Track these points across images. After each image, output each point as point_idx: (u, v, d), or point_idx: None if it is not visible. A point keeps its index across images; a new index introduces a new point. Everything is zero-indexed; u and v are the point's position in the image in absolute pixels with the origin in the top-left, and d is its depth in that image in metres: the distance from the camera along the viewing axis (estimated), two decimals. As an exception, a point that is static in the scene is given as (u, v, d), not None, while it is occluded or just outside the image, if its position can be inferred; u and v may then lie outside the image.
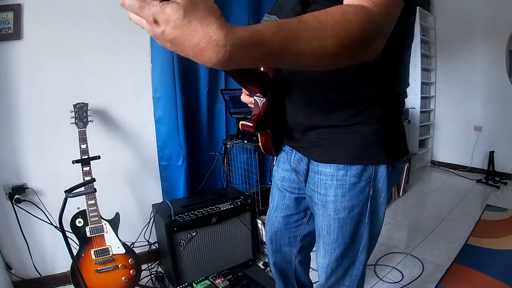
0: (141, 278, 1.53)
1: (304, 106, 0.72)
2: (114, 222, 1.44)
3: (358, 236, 0.74)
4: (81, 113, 1.42)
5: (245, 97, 0.79)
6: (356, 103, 0.66)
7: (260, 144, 0.85)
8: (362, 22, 0.44)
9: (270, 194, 0.96)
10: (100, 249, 1.38)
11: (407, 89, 0.74)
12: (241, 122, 0.70)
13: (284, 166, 0.86)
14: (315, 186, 0.74)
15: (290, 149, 0.82)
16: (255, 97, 0.72)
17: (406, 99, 0.74)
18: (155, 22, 0.34)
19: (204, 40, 0.34)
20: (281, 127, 0.79)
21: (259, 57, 0.38)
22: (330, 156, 0.70)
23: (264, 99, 0.70)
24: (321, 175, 0.72)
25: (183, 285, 1.49)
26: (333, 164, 0.69)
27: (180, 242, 1.51)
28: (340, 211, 0.71)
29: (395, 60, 0.67)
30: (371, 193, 0.70)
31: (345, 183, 0.69)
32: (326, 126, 0.70)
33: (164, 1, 0.34)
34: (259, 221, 1.80)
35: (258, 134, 0.82)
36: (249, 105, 0.80)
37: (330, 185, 0.70)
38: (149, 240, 1.84)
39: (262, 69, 0.71)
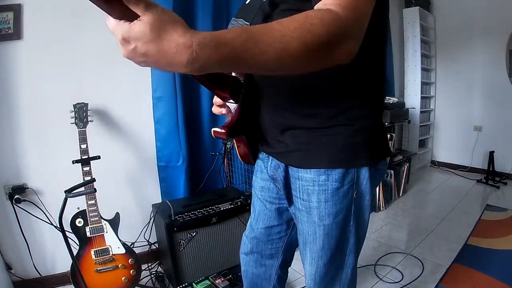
0: (141, 278, 1.52)
1: (278, 109, 0.70)
2: (114, 222, 1.44)
3: (344, 241, 0.72)
4: (81, 113, 1.42)
5: (215, 109, 0.76)
6: (333, 103, 0.64)
7: (237, 152, 0.82)
8: (327, 25, 0.44)
9: (252, 204, 0.92)
10: (100, 249, 1.38)
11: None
12: (213, 129, 0.68)
13: (262, 176, 0.83)
14: (297, 192, 0.72)
15: (266, 156, 0.78)
16: (227, 103, 0.70)
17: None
18: (125, 41, 0.38)
19: (173, 45, 0.37)
20: (257, 133, 0.76)
21: (224, 57, 0.39)
22: (309, 161, 0.67)
23: (236, 104, 0.68)
24: (302, 180, 0.69)
25: (183, 285, 1.49)
26: (313, 169, 0.67)
27: (180, 242, 1.51)
28: (324, 217, 0.69)
29: (369, 57, 0.64)
30: (354, 196, 0.68)
31: (327, 189, 0.66)
32: (302, 128, 0.67)
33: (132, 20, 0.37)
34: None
35: (234, 141, 0.80)
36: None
37: (312, 191, 0.68)
38: (149, 240, 1.84)
39: (233, 74, 0.68)
